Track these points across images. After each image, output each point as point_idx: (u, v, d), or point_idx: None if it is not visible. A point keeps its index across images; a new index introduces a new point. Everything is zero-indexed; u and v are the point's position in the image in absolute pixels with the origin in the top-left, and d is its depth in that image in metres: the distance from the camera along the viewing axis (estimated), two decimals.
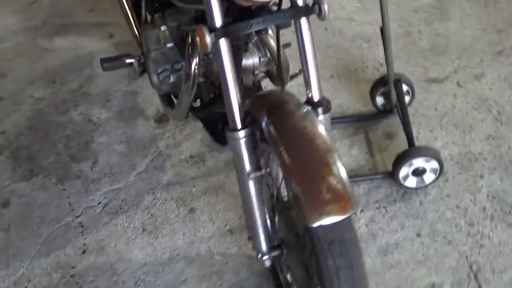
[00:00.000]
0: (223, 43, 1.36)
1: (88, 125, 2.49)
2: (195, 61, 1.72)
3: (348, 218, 1.26)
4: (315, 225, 1.22)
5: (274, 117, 1.38)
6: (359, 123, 2.35)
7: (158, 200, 2.17)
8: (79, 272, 1.97)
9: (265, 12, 1.40)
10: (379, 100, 2.32)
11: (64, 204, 2.20)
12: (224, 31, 1.35)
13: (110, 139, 2.42)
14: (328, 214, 1.22)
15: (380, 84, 2.27)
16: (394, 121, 2.30)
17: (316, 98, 1.45)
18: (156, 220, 2.10)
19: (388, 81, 2.19)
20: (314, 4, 1.40)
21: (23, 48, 2.90)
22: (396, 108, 2.23)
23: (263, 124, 1.37)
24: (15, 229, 2.13)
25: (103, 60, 2.10)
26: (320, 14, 1.39)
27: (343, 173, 1.26)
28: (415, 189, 2.08)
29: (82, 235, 2.09)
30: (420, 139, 2.26)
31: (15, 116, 2.56)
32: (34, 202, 2.21)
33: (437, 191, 2.09)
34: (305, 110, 1.37)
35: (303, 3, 1.39)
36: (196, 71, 1.73)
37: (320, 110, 1.45)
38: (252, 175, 1.45)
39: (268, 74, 1.98)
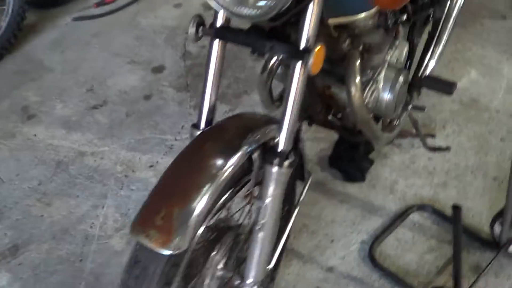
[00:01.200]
0: (214, 44, 1.42)
1: None
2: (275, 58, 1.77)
3: (166, 257, 1.26)
4: (131, 237, 1.26)
5: (207, 131, 1.42)
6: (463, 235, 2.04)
7: None
8: (132, 178, 2.28)
9: (262, 35, 1.38)
10: (497, 229, 1.96)
11: (178, 124, 2.50)
12: (215, 32, 1.40)
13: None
14: (146, 236, 1.24)
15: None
16: (499, 259, 1.93)
17: (280, 147, 1.39)
18: None
19: (504, 214, 1.85)
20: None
21: None
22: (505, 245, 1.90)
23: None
24: (132, 118, 2.53)
25: None
26: (306, 65, 1.31)
27: (196, 217, 1.25)
28: None
29: (164, 155, 2.37)
30: None
31: None
32: (163, 109, 2.57)
33: None
34: (233, 146, 1.35)
35: (305, 46, 1.32)
36: (274, 67, 1.79)
37: (275, 161, 1.39)
38: None
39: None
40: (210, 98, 1.47)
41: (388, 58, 1.90)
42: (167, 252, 1.22)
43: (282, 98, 2.03)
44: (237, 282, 1.54)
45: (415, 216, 2.11)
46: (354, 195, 2.18)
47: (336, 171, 2.25)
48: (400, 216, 2.10)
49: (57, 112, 2.59)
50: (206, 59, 1.44)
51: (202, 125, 1.48)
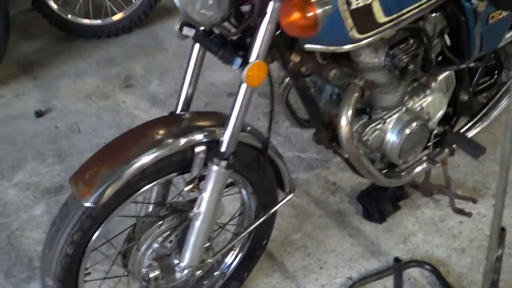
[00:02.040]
0: (195, 46, 1.66)
1: None
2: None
3: (84, 206, 1.50)
4: (69, 181, 1.53)
5: (169, 116, 1.73)
6: None
7: None
8: None
9: (224, 43, 1.55)
10: None
11: None
12: (194, 34, 1.61)
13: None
14: (75, 186, 1.52)
15: None
16: None
17: (222, 148, 1.57)
18: None
19: None
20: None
21: None
22: None
23: None
24: (208, 108, 2.81)
25: None
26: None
27: (116, 181, 1.48)
28: None
29: None
30: None
31: None
32: None
33: None
34: (180, 133, 1.56)
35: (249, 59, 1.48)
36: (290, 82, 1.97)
37: (214, 159, 1.57)
38: None
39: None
40: (187, 91, 1.72)
41: (410, 103, 1.94)
42: (84, 202, 1.47)
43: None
44: (176, 262, 1.73)
45: (414, 271, 2.09)
46: (366, 234, 2.23)
47: (360, 207, 2.31)
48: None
49: (151, 87, 2.96)
50: None
51: (179, 109, 1.72)
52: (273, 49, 1.67)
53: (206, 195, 1.61)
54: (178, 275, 1.73)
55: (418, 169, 2.07)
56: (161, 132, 1.57)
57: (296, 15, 1.36)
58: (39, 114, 2.84)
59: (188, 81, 1.70)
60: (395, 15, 1.62)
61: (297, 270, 2.12)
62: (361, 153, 1.87)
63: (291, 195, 1.89)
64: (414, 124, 1.91)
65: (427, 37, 1.82)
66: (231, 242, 1.84)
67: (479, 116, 2.22)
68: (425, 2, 1.70)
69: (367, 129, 1.87)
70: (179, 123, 1.62)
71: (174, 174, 1.62)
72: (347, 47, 1.59)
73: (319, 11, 1.38)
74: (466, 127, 2.21)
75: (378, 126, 1.89)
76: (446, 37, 1.91)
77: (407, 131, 1.90)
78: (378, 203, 2.27)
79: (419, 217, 2.28)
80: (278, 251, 2.18)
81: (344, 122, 1.79)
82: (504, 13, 1.93)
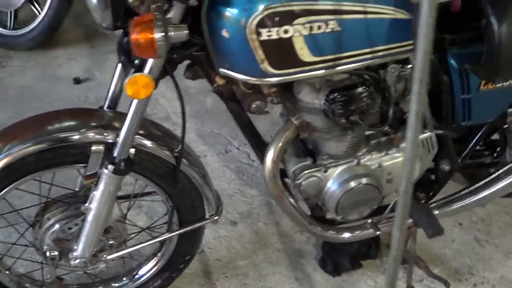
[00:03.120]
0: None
1: None
2: None
3: None
4: None
5: (86, 108, 1.80)
6: None
7: None
8: None
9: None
10: None
11: None
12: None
13: None
14: None
15: None
16: None
17: (115, 153, 1.60)
18: None
19: None
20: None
21: None
22: None
23: None
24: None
25: None
26: None
27: (10, 158, 1.58)
28: None
29: (218, 154, 2.61)
30: None
31: None
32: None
33: None
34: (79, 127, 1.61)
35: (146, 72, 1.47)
36: None
37: (105, 162, 1.61)
38: None
39: None
40: (115, 89, 1.73)
41: (365, 158, 1.82)
42: None
43: None
44: (75, 248, 1.78)
45: None
46: (313, 282, 2.13)
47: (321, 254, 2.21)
48: None
49: (188, 81, 2.99)
50: None
51: (104, 108, 1.76)
52: (195, 66, 1.68)
53: (97, 194, 1.65)
54: (71, 262, 1.78)
55: (358, 232, 1.93)
56: (70, 122, 1.63)
57: (134, 35, 1.34)
58: (77, 81, 3.01)
59: (117, 78, 1.72)
60: (328, 57, 1.51)
61: None
62: (286, 193, 1.80)
63: (214, 218, 1.86)
64: (363, 180, 1.78)
65: (387, 89, 1.70)
66: (133, 247, 1.85)
67: (466, 191, 2.02)
68: (379, 51, 1.57)
69: (304, 173, 1.78)
70: (93, 118, 1.65)
71: (78, 165, 1.68)
72: (265, 80, 1.52)
73: (157, 35, 1.34)
74: (449, 199, 2.02)
75: (317, 173, 1.78)
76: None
77: (351, 185, 1.77)
78: (336, 254, 2.15)
79: (379, 283, 2.13)
80: (217, 271, 2.15)
81: (269, 158, 1.74)
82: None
